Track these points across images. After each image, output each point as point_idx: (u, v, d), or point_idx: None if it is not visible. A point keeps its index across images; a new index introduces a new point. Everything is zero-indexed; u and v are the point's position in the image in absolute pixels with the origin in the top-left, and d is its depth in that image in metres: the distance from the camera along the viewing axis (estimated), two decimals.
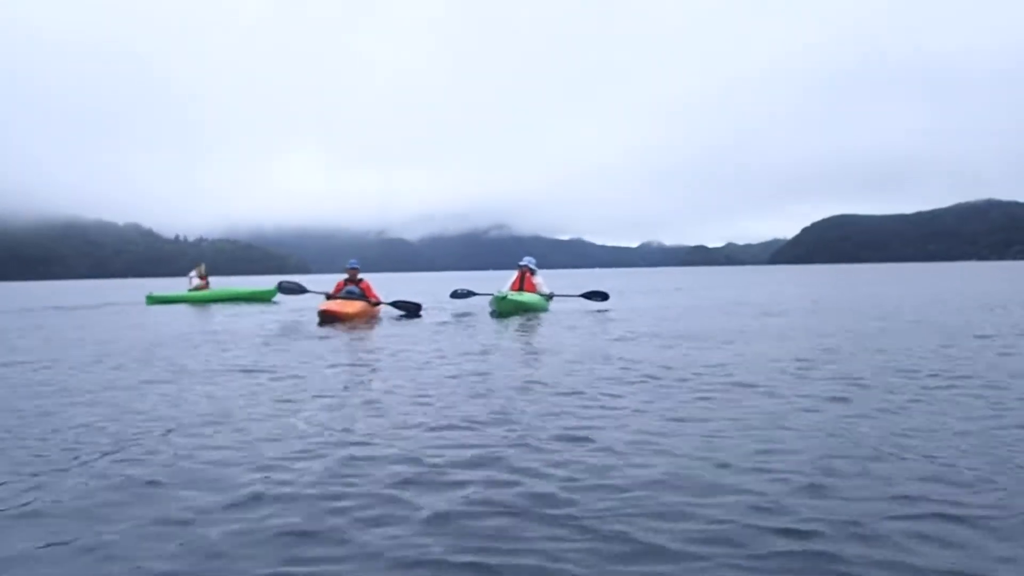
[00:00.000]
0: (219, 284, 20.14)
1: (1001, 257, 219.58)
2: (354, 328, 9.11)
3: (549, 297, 12.22)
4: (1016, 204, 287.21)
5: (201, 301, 17.56)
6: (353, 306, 10.53)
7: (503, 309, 10.76)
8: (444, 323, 9.73)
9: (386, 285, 24.71)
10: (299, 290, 11.74)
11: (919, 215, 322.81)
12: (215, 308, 14.90)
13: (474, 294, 13.11)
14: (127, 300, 21.27)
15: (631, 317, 10.44)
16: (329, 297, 11.17)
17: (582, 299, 13.24)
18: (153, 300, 17.82)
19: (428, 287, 29.15)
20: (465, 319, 10.33)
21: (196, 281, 18.53)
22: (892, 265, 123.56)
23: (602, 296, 13.12)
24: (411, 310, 11.33)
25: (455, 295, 13.01)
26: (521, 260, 12.33)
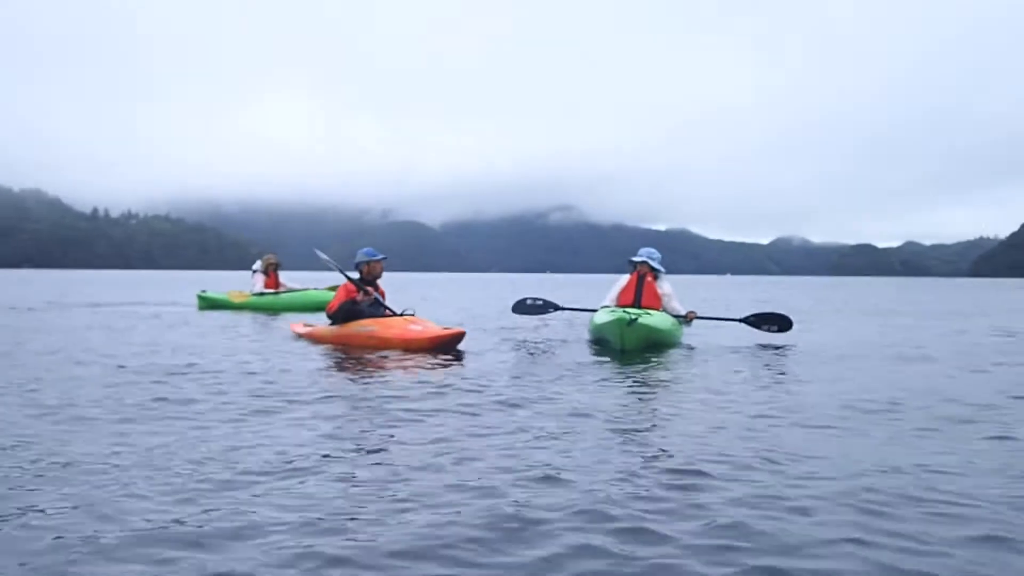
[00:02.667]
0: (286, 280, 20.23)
1: None
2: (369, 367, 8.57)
3: (687, 320, 11.55)
4: None
5: (271, 309, 18.54)
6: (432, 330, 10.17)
7: (629, 340, 9.88)
8: (507, 361, 9.05)
9: (395, 290, 23.80)
10: (541, 309, 12.46)
11: None
12: (298, 317, 15.48)
13: (557, 307, 12.64)
14: (152, 298, 23.41)
15: (874, 369, 8.96)
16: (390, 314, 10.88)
17: (745, 326, 12.27)
18: (207, 303, 19.62)
19: (463, 295, 28.66)
20: (550, 355, 9.69)
21: (261, 281, 19.30)
22: None
23: (781, 322, 12.10)
24: (448, 341, 10.10)
25: (522, 308, 12.73)
26: (637, 254, 11.64)
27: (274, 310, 18.39)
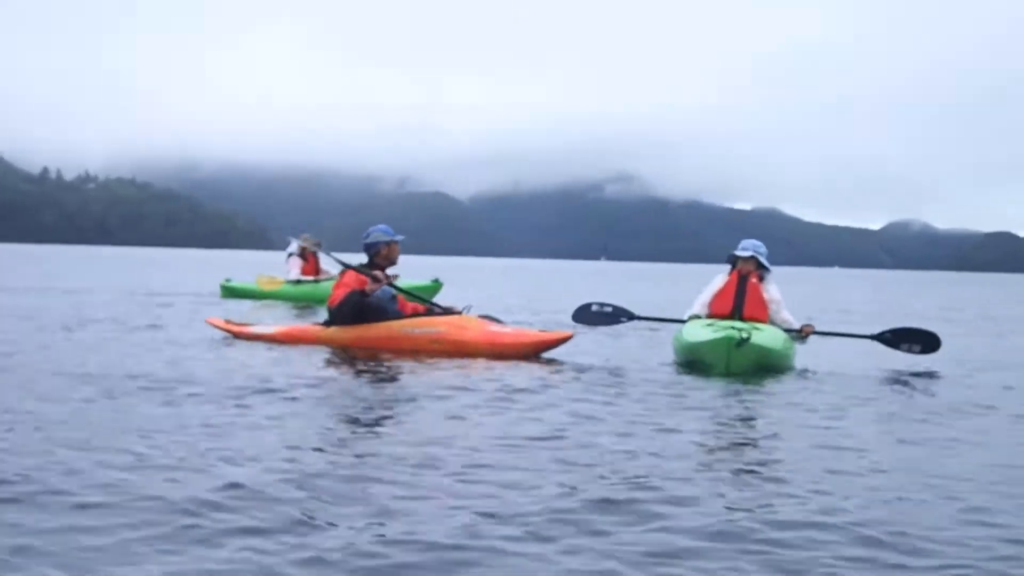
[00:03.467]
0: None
1: None
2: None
3: (801, 335, 11.22)
4: None
5: (310, 299, 19.50)
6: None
7: (737, 363, 9.81)
8: (575, 395, 8.60)
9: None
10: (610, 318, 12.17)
11: None
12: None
13: (632, 316, 12.29)
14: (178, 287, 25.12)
15: None
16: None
17: (879, 344, 11.82)
18: (229, 292, 21.12)
19: (502, 289, 28.26)
20: (627, 381, 9.45)
21: (298, 266, 20.23)
22: None
23: (925, 341, 11.57)
24: (553, 346, 11.12)
25: (586, 317, 12.34)
26: (741, 247, 11.31)
27: (313, 300, 19.09)
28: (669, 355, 11.39)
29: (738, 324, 10.12)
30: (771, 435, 6.77)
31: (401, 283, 16.78)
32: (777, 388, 9.16)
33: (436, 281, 21.23)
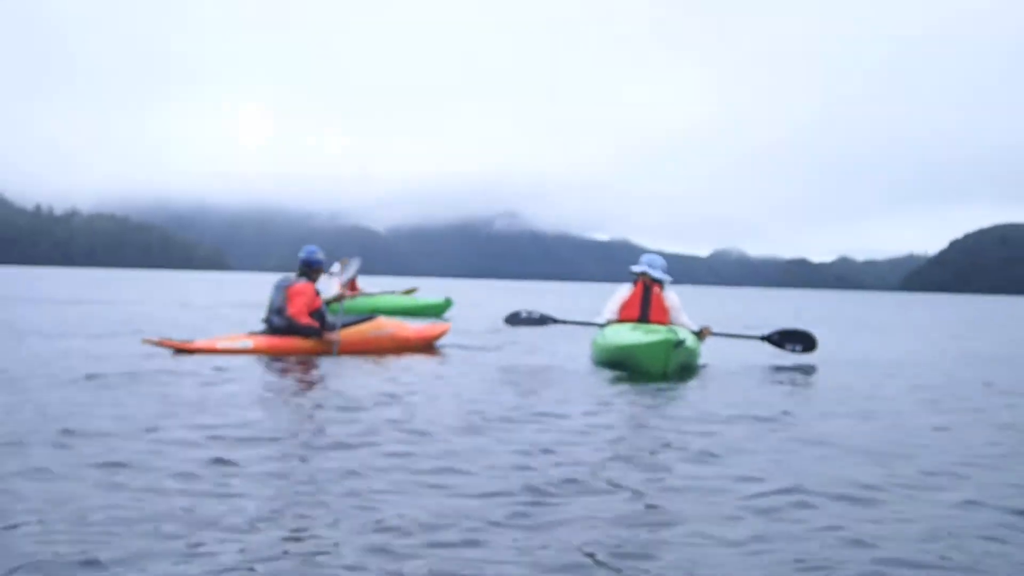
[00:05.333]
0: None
1: None
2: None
3: (701, 336, 10.62)
4: None
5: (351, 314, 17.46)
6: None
7: (673, 363, 9.03)
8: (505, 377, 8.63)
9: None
10: (539, 321, 11.46)
11: None
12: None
13: (555, 321, 11.57)
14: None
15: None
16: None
17: (765, 344, 11.49)
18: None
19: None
20: (558, 375, 9.10)
21: (336, 285, 18.23)
22: None
23: (803, 341, 11.25)
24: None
25: (516, 321, 11.67)
26: (638, 264, 10.68)
27: (351, 312, 17.54)
28: (586, 355, 10.82)
29: (657, 327, 9.54)
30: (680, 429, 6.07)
31: (419, 299, 17.41)
32: (693, 384, 8.62)
33: (447, 300, 20.53)
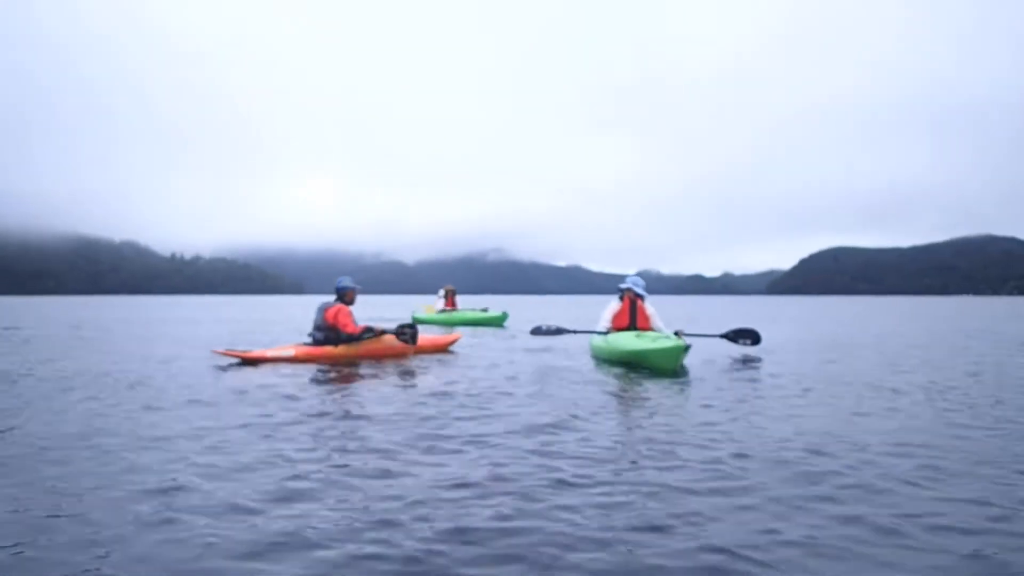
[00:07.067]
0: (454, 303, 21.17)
1: (996, 292, 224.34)
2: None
3: (678, 336, 9.54)
4: (1014, 240, 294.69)
5: (447, 323, 19.11)
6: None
7: (681, 362, 8.17)
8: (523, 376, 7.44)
9: (376, 307, 24.27)
10: (556, 332, 10.43)
11: (915, 248, 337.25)
12: (461, 330, 16.23)
13: (568, 331, 10.35)
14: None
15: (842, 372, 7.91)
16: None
17: (723, 341, 10.86)
18: (417, 320, 20.29)
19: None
20: (570, 374, 7.60)
21: (443, 303, 20.26)
22: (889, 298, 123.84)
23: (751, 337, 10.38)
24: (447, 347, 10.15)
25: (538, 332, 10.50)
26: (623, 282, 9.75)
27: (451, 324, 18.59)
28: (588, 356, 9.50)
29: (668, 335, 8.56)
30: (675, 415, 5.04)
31: (488, 313, 18.38)
32: (682, 380, 7.01)
33: (504, 313, 19.01)
